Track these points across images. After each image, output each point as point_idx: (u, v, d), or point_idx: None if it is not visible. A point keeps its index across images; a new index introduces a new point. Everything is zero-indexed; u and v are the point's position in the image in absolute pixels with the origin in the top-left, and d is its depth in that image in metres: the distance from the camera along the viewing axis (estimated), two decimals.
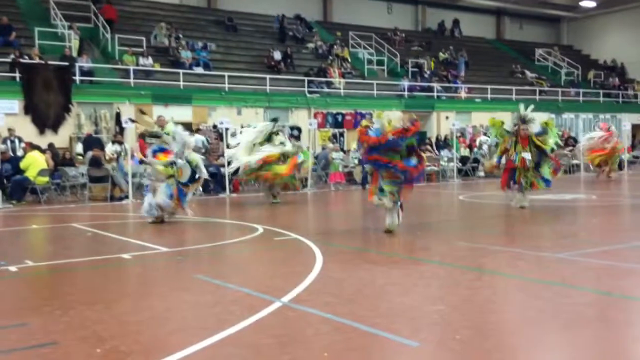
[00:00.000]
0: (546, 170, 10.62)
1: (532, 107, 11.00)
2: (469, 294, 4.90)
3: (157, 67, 19.61)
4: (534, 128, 10.51)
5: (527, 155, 10.30)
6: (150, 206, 9.46)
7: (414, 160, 7.89)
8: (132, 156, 14.73)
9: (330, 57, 23.94)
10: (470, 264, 6.12)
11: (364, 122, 8.33)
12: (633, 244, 7.13)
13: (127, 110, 15.00)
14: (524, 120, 10.54)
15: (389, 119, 7.98)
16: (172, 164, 9.46)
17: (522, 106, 10.89)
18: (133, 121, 10.98)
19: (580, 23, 36.25)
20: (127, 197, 13.45)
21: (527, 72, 29.74)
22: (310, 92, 21.29)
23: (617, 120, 28.12)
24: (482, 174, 19.74)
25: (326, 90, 21.94)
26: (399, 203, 8.14)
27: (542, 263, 6.17)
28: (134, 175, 13.78)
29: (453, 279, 5.56)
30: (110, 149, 15.02)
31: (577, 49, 35.76)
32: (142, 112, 10.98)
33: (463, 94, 25.47)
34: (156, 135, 9.73)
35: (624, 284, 5.24)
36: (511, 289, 5.26)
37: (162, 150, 9.56)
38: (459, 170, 18.97)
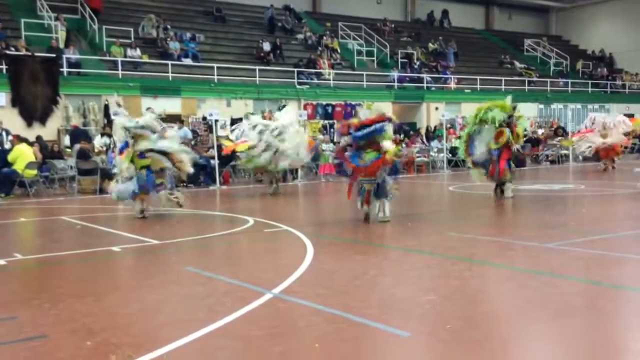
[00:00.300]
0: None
1: (509, 97, 11.07)
2: (459, 284, 4.93)
3: (146, 59, 19.46)
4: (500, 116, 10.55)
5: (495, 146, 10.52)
6: (124, 191, 9.22)
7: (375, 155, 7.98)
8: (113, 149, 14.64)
9: (320, 48, 23.87)
10: (460, 255, 6.15)
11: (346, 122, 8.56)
12: (621, 234, 7.19)
13: (115, 102, 14.89)
14: (510, 114, 10.55)
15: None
16: (142, 155, 9.15)
17: (507, 99, 10.91)
18: (119, 105, 10.76)
19: (568, 13, 36.36)
20: None
21: (516, 63, 29.82)
22: (299, 84, 21.23)
23: (605, 111, 28.32)
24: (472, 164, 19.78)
25: (316, 81, 21.88)
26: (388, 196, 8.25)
27: (531, 253, 6.21)
28: None
29: (444, 269, 5.58)
30: (99, 141, 14.92)
31: (566, 39, 35.89)
32: (118, 105, 10.86)
33: (452, 85, 25.51)
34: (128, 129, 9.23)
35: (612, 274, 5.29)
36: (501, 279, 5.29)
37: (127, 146, 9.22)
38: (449, 161, 19.02)
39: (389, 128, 8.19)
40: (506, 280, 5.20)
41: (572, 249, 6.26)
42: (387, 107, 22.92)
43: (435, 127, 21.97)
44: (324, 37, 24.68)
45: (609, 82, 30.87)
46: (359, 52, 25.05)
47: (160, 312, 4.32)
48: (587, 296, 4.57)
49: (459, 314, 4.13)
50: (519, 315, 4.16)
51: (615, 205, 10.42)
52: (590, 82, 30.22)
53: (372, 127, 7.87)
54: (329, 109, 21.29)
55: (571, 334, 3.74)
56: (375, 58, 25.48)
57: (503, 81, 26.10)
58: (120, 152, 9.39)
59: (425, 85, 24.55)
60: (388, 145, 7.97)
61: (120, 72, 18.21)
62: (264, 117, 13.16)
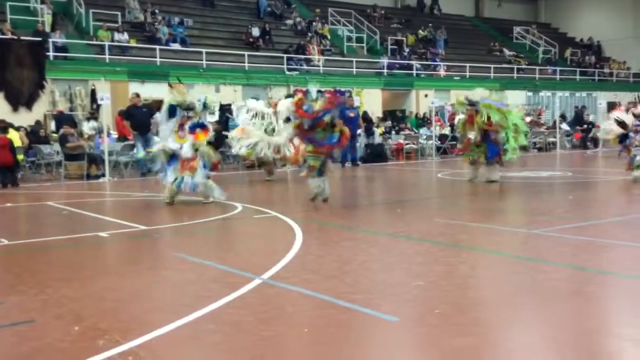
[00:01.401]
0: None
1: (480, 90, 11.65)
2: (447, 270, 4.96)
3: (133, 43, 19.26)
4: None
5: (471, 135, 11.09)
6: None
7: (335, 137, 8.31)
8: (109, 134, 14.53)
9: (310, 34, 23.73)
10: (448, 241, 6.18)
11: (299, 96, 8.79)
12: (607, 220, 7.26)
13: (103, 87, 14.73)
14: (471, 103, 11.06)
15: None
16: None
17: (478, 90, 11.57)
18: (170, 85, 9.65)
19: (557, 1, 36.39)
20: (103, 175, 13.27)
21: (505, 50, 29.85)
22: (289, 70, 21.12)
23: (592, 98, 28.48)
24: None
25: (305, 67, 21.78)
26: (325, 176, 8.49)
27: (518, 239, 6.26)
28: (110, 154, 13.59)
29: (432, 255, 5.61)
30: (87, 126, 14.78)
31: (555, 27, 35.95)
32: (179, 81, 9.91)
33: (442, 72, 25.50)
34: (191, 108, 8.81)
35: (598, 259, 5.34)
36: (489, 264, 5.33)
37: (202, 126, 8.82)
38: (438, 148, 19.07)
39: (335, 113, 8.51)
40: (494, 266, 5.23)
41: (559, 235, 6.31)
42: (376, 94, 22.92)
43: (424, 114, 21.98)
44: (314, 23, 24.53)
45: (596, 70, 31.01)
46: (349, 39, 24.94)
47: (149, 298, 4.31)
48: (574, 282, 4.61)
49: (447, 299, 4.15)
50: (506, 300, 4.20)
51: (601, 192, 10.51)
52: (578, 70, 30.34)
53: (318, 115, 8.26)
54: (319, 95, 21.21)
55: (558, 318, 3.77)
56: (365, 44, 25.38)
57: (492, 69, 26.13)
58: (192, 131, 8.78)
59: (414, 72, 24.52)
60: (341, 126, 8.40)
61: (107, 56, 18.02)
62: (270, 104, 12.95)
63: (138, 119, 13.58)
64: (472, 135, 11.14)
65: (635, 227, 6.78)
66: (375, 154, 17.34)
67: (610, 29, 33.39)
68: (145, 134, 13.53)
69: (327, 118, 8.28)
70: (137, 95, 14.22)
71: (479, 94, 11.29)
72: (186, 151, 8.72)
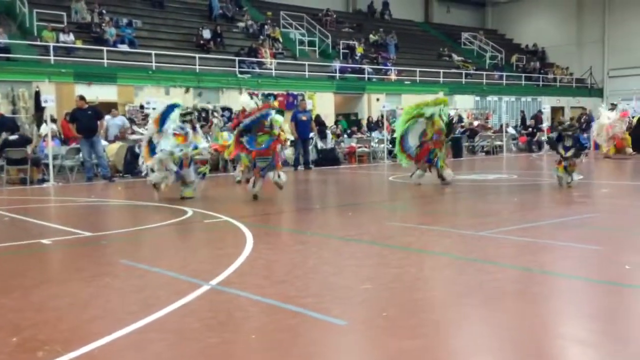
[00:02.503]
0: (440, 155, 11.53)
1: (441, 93, 12.20)
2: (397, 272, 5.00)
3: (79, 44, 18.74)
4: (430, 111, 11.46)
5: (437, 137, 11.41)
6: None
7: (268, 141, 9.30)
8: (53, 137, 14.10)
9: (262, 37, 23.64)
10: (399, 243, 6.24)
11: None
12: (549, 221, 7.49)
13: (47, 89, 14.28)
14: (429, 118, 11.39)
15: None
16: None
17: (441, 94, 12.04)
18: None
19: (504, 8, 37.46)
20: (47, 179, 12.85)
21: (454, 55, 30.51)
22: (241, 73, 20.98)
23: (537, 103, 29.41)
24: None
25: (257, 70, 21.69)
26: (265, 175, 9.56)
27: (466, 241, 6.38)
28: (55, 158, 13.18)
29: (382, 258, 5.65)
30: (45, 128, 14.15)
31: (501, 34, 36.98)
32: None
33: (393, 76, 25.84)
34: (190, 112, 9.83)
35: (541, 259, 5.49)
36: (437, 266, 5.41)
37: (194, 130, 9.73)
38: (389, 152, 19.29)
39: (275, 114, 9.53)
40: (442, 268, 5.32)
41: (504, 236, 6.47)
42: (329, 98, 23.03)
43: (378, 119, 22.18)
44: (266, 26, 24.46)
45: (541, 76, 32.05)
46: (301, 42, 24.99)
47: (92, 307, 4.18)
48: (518, 282, 4.73)
49: (396, 301, 4.19)
50: (453, 301, 4.27)
51: (544, 194, 10.84)
52: (523, 75, 31.28)
53: (257, 115, 9.22)
54: (271, 99, 21.16)
55: (503, 318, 3.86)
56: (317, 48, 25.48)
57: (441, 73, 26.65)
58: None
59: (366, 76, 24.76)
60: (276, 131, 9.33)
61: (52, 57, 17.49)
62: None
63: (83, 123, 13.22)
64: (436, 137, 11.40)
65: (575, 228, 7.02)
66: (328, 157, 17.41)
67: (554, 36, 34.58)
68: (91, 138, 13.20)
69: (267, 122, 9.21)
70: (82, 97, 13.86)
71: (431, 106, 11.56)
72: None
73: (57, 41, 18.15)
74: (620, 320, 3.80)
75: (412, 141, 11.57)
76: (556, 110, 30.67)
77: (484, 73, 29.34)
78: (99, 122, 13.50)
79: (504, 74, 30.33)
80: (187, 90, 10.19)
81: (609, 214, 8.15)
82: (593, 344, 3.42)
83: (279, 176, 9.59)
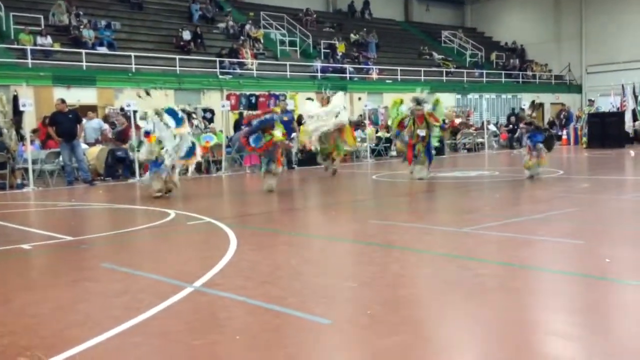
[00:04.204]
0: (433, 140, 12.26)
1: (426, 90, 12.99)
2: (379, 270, 5.02)
3: (57, 47, 18.53)
4: (427, 107, 12.07)
5: (422, 132, 11.95)
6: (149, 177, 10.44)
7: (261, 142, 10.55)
8: (32, 141, 13.93)
9: (242, 38, 23.57)
10: (381, 241, 6.27)
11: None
12: (530, 217, 7.57)
13: (25, 93, 14.09)
14: (418, 102, 12.00)
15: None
16: (159, 142, 10.20)
17: (418, 90, 12.84)
18: (139, 97, 11.46)
19: (483, 6, 37.74)
20: (26, 184, 12.69)
21: (435, 54, 30.67)
22: (222, 74, 20.90)
23: (517, 100, 29.69)
24: (394, 153, 20.24)
25: (239, 71, 21.61)
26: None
27: (448, 237, 6.43)
28: (34, 162, 13.01)
29: (365, 256, 5.67)
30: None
31: (480, 32, 37.25)
32: (147, 93, 11.25)
33: (374, 75, 25.92)
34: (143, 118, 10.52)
35: (522, 254, 5.55)
36: (419, 263, 5.44)
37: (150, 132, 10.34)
38: (372, 150, 19.34)
39: (278, 118, 10.72)
40: (424, 265, 5.35)
41: (486, 232, 6.52)
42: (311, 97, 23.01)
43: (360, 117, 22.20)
44: (246, 27, 24.39)
45: (520, 73, 32.34)
46: (282, 42, 24.95)
47: (74, 311, 4.13)
48: (500, 277, 4.78)
49: (379, 299, 4.21)
50: (436, 298, 4.30)
51: (525, 190, 10.95)
52: (503, 72, 31.55)
53: (262, 118, 10.61)
54: (253, 99, 21.09)
55: (485, 313, 3.89)
56: (298, 48, 25.46)
57: (422, 72, 26.78)
58: (146, 135, 10.36)
59: (348, 75, 24.80)
60: (277, 133, 10.52)
61: (29, 61, 17.27)
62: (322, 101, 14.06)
63: (65, 126, 13.10)
64: (421, 132, 11.94)
65: (555, 223, 7.10)
66: (311, 157, 17.38)
67: (532, 33, 34.92)
68: (71, 142, 13.07)
69: (272, 122, 10.49)
70: (63, 101, 13.71)
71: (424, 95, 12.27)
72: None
73: (35, 44, 17.93)
74: (600, 313, 3.86)
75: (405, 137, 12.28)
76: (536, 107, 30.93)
77: (465, 71, 29.55)
78: (79, 126, 13.40)
79: (484, 71, 30.57)
80: (148, 93, 10.57)
81: (589, 208, 8.26)
82: (574, 337, 3.46)
83: (274, 167, 10.86)
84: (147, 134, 10.25)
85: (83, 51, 18.31)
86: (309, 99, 14.42)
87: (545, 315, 3.88)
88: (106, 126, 16.13)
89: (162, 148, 10.13)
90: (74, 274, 5.36)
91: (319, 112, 13.48)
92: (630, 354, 3.21)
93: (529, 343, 3.39)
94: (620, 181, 12.10)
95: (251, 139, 10.51)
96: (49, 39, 18.44)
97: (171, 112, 10.35)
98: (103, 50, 19.45)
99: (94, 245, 6.67)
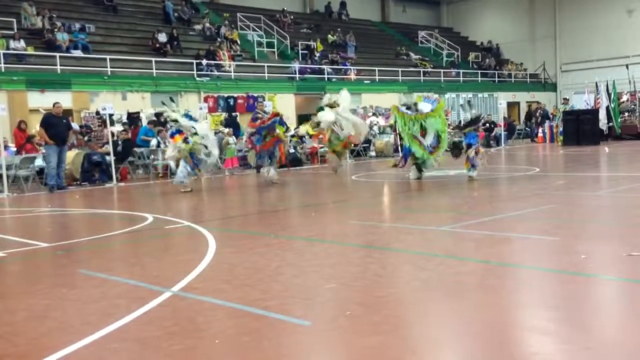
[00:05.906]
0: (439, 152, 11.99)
1: (414, 95, 12.82)
2: (359, 271, 5.03)
3: (31, 51, 18.25)
4: (426, 107, 11.68)
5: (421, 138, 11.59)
6: (182, 175, 11.56)
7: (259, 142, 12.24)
8: (6, 147, 13.71)
9: (219, 39, 23.45)
10: (361, 242, 6.27)
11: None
12: (507, 214, 7.64)
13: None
14: (408, 107, 11.71)
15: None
16: (186, 140, 11.43)
17: (401, 96, 12.47)
18: (163, 104, 13.23)
19: (458, 6, 38.08)
20: (0, 191, 12.46)
21: (412, 54, 30.85)
22: (199, 76, 20.77)
23: (494, 99, 30.00)
24: (373, 154, 20.32)
25: (216, 73, 21.50)
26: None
27: (427, 236, 6.46)
28: (8, 168, 12.79)
29: (345, 257, 5.67)
30: None
31: (457, 32, 37.57)
32: (172, 100, 12.95)
33: (352, 76, 25.98)
34: (175, 120, 11.77)
35: (500, 252, 5.60)
36: (399, 262, 5.45)
37: (179, 132, 11.52)
38: (351, 151, 19.35)
39: (277, 121, 12.27)
40: (404, 264, 5.36)
41: (464, 230, 6.57)
42: (289, 99, 23.00)
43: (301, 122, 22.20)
44: (223, 28, 24.27)
45: (496, 72, 32.68)
46: (259, 44, 24.89)
47: (49, 318, 4.06)
48: (478, 274, 4.81)
49: (359, 299, 4.21)
50: (416, 297, 4.31)
51: (502, 188, 11.06)
52: (479, 72, 31.85)
53: (270, 122, 12.21)
54: (231, 101, 21.01)
55: (464, 311, 3.91)
56: (275, 49, 25.41)
57: (400, 72, 26.91)
58: (172, 136, 11.63)
59: (326, 76, 24.82)
60: (278, 132, 12.16)
61: (2, 65, 16.99)
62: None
63: (60, 130, 13.03)
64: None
65: (532, 220, 7.18)
66: (290, 159, 17.35)
67: (507, 33, 35.32)
68: (63, 146, 13.08)
69: (275, 125, 12.15)
70: (59, 105, 13.76)
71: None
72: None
73: (8, 48, 17.64)
74: (577, 308, 3.90)
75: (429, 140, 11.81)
76: (512, 106, 31.37)
77: (442, 71, 29.76)
78: (70, 132, 13.72)
79: (461, 71, 30.82)
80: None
81: (565, 205, 8.36)
82: (552, 332, 3.50)
83: (268, 172, 12.40)
84: (172, 135, 11.55)
85: (57, 55, 18.06)
86: (320, 109, 13.97)
87: (523, 312, 3.91)
88: (77, 128, 15.95)
89: (190, 145, 11.34)
90: (49, 280, 5.27)
91: (339, 111, 13.24)
92: (607, 347, 3.25)
93: (508, 340, 3.42)
94: (595, 178, 12.29)
95: (254, 139, 12.27)
96: (22, 43, 18.16)
97: (188, 117, 12.05)
98: (78, 53, 19.21)
99: (70, 252, 6.57)
